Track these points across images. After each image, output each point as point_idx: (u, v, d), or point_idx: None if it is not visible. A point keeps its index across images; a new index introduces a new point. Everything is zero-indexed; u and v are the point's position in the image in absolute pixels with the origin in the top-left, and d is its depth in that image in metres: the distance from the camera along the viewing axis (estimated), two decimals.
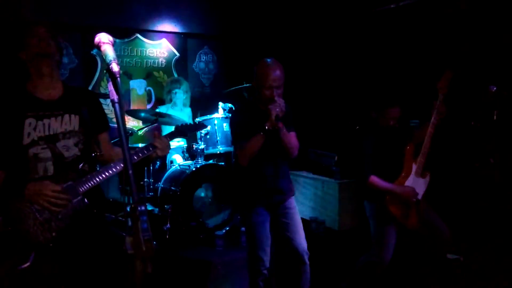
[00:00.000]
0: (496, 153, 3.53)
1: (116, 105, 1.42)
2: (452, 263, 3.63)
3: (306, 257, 2.74)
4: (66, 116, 2.01)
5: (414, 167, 3.00)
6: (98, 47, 1.55)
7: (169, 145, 2.15)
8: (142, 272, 1.13)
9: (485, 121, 3.50)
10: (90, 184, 1.94)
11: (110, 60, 1.48)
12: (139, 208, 1.18)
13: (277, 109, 2.52)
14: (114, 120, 1.43)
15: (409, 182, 2.98)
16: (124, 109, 1.45)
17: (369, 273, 3.07)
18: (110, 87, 1.46)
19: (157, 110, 4.52)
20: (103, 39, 1.54)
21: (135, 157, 2.03)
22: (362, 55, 4.77)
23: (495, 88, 3.12)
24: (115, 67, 1.46)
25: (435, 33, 4.13)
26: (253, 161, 2.65)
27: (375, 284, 3.15)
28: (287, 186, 2.84)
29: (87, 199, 1.94)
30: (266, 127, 2.54)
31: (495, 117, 3.38)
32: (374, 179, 2.93)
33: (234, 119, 2.85)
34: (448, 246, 3.09)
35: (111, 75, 1.46)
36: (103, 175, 1.96)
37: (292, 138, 2.73)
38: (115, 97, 1.44)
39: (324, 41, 5.15)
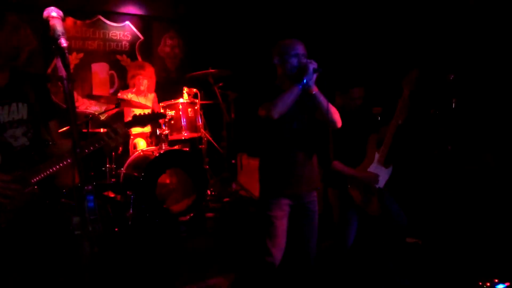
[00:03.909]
0: (454, 140, 3.64)
1: (65, 81, 1.37)
2: (411, 246, 3.74)
3: (311, 264, 2.67)
4: (14, 105, 1.93)
5: (377, 155, 3.06)
6: (47, 21, 1.49)
7: (127, 134, 2.09)
8: (90, 252, 1.10)
9: (444, 109, 3.60)
10: (42, 175, 1.87)
11: (59, 35, 1.43)
12: (85, 188, 1.14)
13: (314, 65, 2.43)
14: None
15: (371, 169, 3.04)
16: (73, 86, 1.40)
17: (332, 257, 3.14)
18: (59, 63, 1.41)
19: (119, 94, 4.39)
20: (52, 13, 1.48)
21: (91, 148, 1.96)
22: (326, 40, 4.79)
23: (452, 76, 3.21)
24: (63, 42, 1.41)
25: (401, 23, 4.20)
26: (282, 145, 2.53)
27: (338, 267, 3.22)
28: (315, 175, 2.68)
29: (38, 188, 1.87)
30: (305, 81, 2.40)
31: (453, 105, 3.47)
32: (337, 164, 2.98)
33: (256, 97, 2.58)
34: (405, 234, 3.19)
35: (60, 50, 1.41)
36: (56, 166, 1.89)
37: (329, 104, 2.53)
38: (63, 73, 1.38)
39: (292, 26, 5.13)
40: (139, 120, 2.31)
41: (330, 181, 3.14)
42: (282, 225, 2.57)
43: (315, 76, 2.44)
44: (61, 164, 1.89)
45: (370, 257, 3.57)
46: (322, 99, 2.49)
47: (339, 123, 2.59)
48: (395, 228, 3.11)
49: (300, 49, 2.55)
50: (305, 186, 2.61)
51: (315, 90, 2.47)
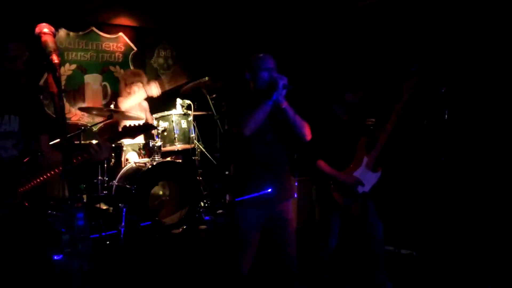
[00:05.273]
0: (447, 151, 3.66)
1: (56, 98, 1.37)
2: (405, 258, 3.74)
3: (294, 277, 2.67)
4: (6, 117, 1.94)
5: (365, 159, 3.05)
6: (38, 37, 1.49)
7: (110, 148, 2.07)
8: (79, 270, 1.08)
9: (436, 121, 3.62)
10: (30, 185, 1.87)
11: (50, 52, 1.44)
12: (75, 205, 1.13)
13: (285, 80, 2.46)
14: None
15: (357, 173, 3.03)
16: (63, 102, 1.40)
17: (316, 258, 3.12)
18: (50, 79, 1.40)
19: (112, 106, 4.36)
20: (44, 29, 1.49)
21: (74, 160, 1.95)
22: (320, 51, 4.83)
23: (444, 89, 3.24)
24: (55, 59, 1.41)
25: (401, 32, 4.24)
26: (253, 156, 2.56)
27: (326, 271, 3.21)
28: (289, 185, 2.71)
29: (26, 199, 1.86)
30: (274, 97, 2.43)
31: (446, 116, 3.49)
32: (321, 163, 3.00)
33: (238, 104, 2.65)
34: (380, 245, 3.15)
35: (51, 67, 1.41)
36: (44, 176, 1.88)
37: (299, 118, 2.58)
38: (54, 89, 1.38)
39: (287, 34, 5.15)
40: (129, 132, 2.29)
41: (316, 181, 3.15)
42: (253, 236, 2.60)
43: (285, 91, 2.47)
44: (48, 174, 1.89)
45: (352, 261, 3.56)
46: (291, 113, 2.52)
47: (308, 137, 2.62)
48: (368, 238, 3.10)
49: (271, 63, 2.59)
50: (277, 198, 2.62)
51: (284, 104, 2.50)
